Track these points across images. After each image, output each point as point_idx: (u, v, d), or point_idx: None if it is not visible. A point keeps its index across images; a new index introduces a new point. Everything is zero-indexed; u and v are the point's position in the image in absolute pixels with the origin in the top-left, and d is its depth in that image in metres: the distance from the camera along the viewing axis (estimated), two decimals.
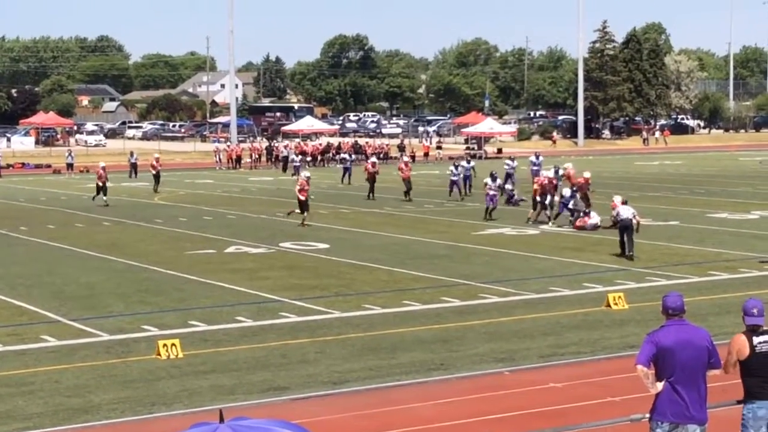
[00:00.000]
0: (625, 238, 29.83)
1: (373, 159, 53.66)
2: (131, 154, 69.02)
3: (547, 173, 41.09)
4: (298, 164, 64.91)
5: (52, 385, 16.53)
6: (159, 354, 18.05)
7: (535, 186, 39.02)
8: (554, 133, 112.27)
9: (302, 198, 38.05)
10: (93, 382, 16.68)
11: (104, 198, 46.87)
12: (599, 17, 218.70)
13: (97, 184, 47.47)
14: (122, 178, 64.06)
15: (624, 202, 31.15)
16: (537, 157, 54.03)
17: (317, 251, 31.59)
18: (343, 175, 60.19)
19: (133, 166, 66.51)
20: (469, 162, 51.20)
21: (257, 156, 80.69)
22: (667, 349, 10.06)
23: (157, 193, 53.33)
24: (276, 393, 16.01)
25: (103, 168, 48.10)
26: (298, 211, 38.52)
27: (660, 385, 10.10)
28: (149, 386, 16.41)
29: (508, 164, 51.28)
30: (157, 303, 23.42)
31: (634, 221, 29.72)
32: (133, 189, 57.79)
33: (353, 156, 67.05)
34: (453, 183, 48.31)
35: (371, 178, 49.00)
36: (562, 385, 16.25)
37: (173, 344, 18.26)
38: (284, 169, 71.46)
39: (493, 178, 40.21)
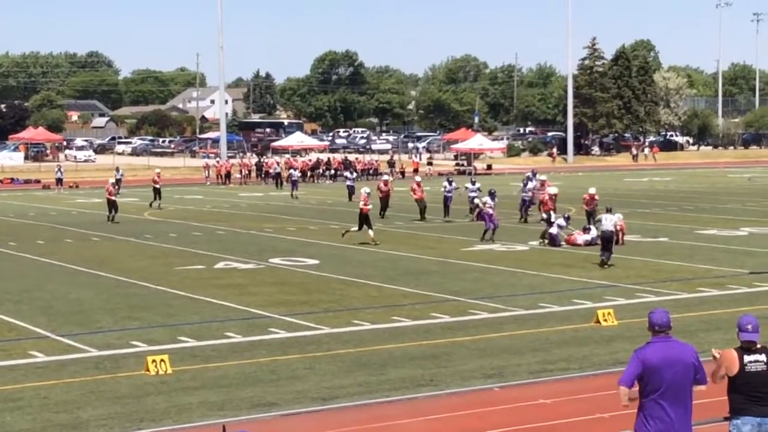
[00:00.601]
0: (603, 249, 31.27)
1: (386, 177, 52.40)
2: (117, 170, 68.62)
3: (550, 190, 40.83)
4: (296, 179, 64.29)
5: (40, 401, 16.47)
6: (148, 370, 18.00)
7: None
8: (554, 150, 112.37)
9: (366, 211, 37.43)
10: (82, 398, 16.62)
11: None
12: (588, 34, 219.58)
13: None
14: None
15: (608, 210, 31.96)
16: (534, 174, 52.24)
17: (307, 267, 31.57)
18: (349, 194, 58.23)
19: (118, 183, 66.01)
20: (450, 183, 48.29)
21: (247, 172, 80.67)
22: (654, 367, 10.05)
23: (159, 209, 52.77)
24: (265, 409, 15.97)
25: (113, 184, 48.16)
26: (354, 228, 37.58)
27: (625, 398, 10.12)
28: (138, 402, 16.37)
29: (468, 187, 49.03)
30: (146, 318, 23.37)
31: (617, 229, 30.71)
32: (122, 204, 57.65)
33: (354, 174, 65.59)
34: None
35: (385, 197, 47.32)
36: (552, 401, 16.24)
37: (162, 360, 18.21)
38: (278, 185, 71.21)
39: (492, 196, 39.92)
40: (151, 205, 54.21)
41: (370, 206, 37.88)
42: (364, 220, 37.37)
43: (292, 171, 67.53)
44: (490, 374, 17.99)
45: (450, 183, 47.92)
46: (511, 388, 17.12)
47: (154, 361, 18.15)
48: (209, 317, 23.46)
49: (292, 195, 61.44)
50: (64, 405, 16.27)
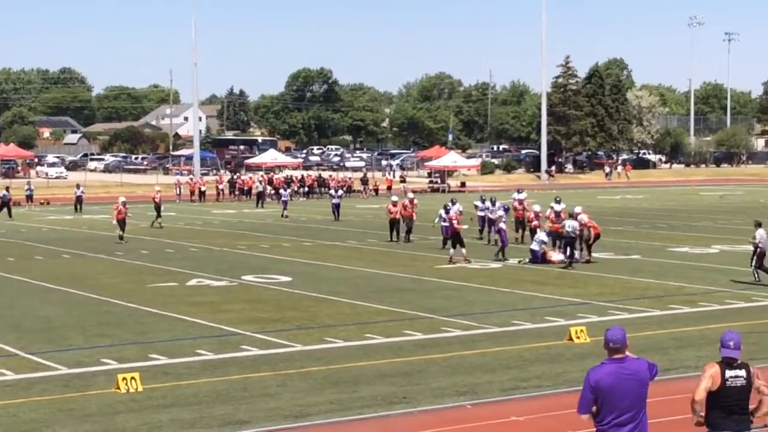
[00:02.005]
0: (568, 251, 34.35)
1: (394, 198, 46.56)
2: (77, 186, 67.95)
3: (534, 207, 40.82)
4: (286, 198, 62.86)
5: (9, 419, 16.31)
6: (118, 388, 17.86)
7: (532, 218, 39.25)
8: (552, 168, 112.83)
9: (459, 230, 37.16)
10: (51, 416, 16.47)
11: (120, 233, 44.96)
12: (562, 53, 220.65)
13: (118, 221, 44.98)
14: (85, 210, 63.79)
15: (571, 216, 33.19)
16: (519, 192, 48.25)
17: (279, 284, 31.48)
18: (334, 211, 57.28)
19: (79, 200, 65.76)
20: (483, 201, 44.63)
21: (222, 189, 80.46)
22: (607, 391, 10.04)
23: (160, 227, 52.06)
24: (237, 427, 15.87)
25: (123, 203, 45.82)
26: (452, 251, 37.00)
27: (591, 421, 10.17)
28: (108, 420, 16.23)
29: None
30: (117, 336, 23.21)
31: (585, 231, 34.23)
32: (94, 221, 57.47)
33: (340, 191, 63.09)
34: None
35: (407, 216, 44.35)
36: (524, 419, 16.22)
37: (133, 378, 18.08)
38: (258, 204, 70.29)
39: (506, 211, 39.98)
40: (152, 224, 52.99)
41: (465, 225, 37.57)
42: (456, 239, 37.08)
43: (281, 191, 66.88)
44: (462, 391, 17.94)
45: (483, 201, 44.51)
46: (483, 406, 17.08)
47: (124, 378, 18.01)
48: (181, 334, 23.33)
49: (282, 215, 59.74)
50: (33, 423, 16.11)
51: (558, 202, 40.28)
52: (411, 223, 44.18)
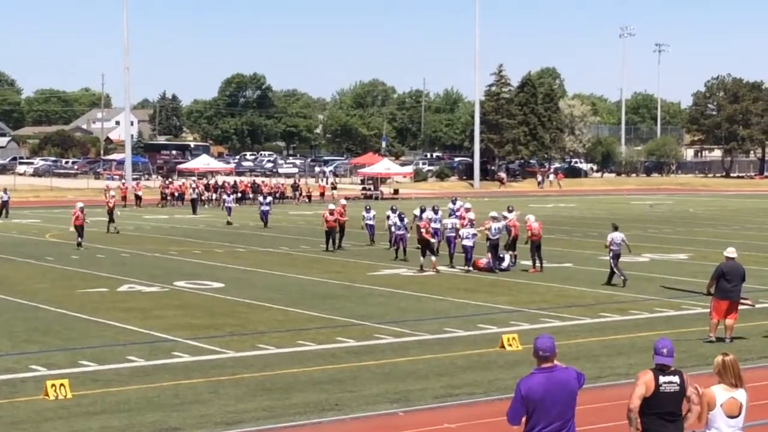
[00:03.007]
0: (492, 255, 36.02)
1: (331, 206, 44.62)
2: (4, 191, 66.16)
3: (469, 215, 40.09)
4: (230, 204, 61.96)
5: None
6: (47, 394, 17.63)
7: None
8: (503, 174, 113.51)
9: (428, 238, 36.87)
10: None
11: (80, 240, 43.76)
12: (495, 61, 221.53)
13: (76, 226, 43.85)
14: (13, 215, 63.00)
15: (494, 219, 36.35)
16: (454, 202, 47.57)
17: (212, 290, 31.30)
18: (263, 217, 56.20)
19: (5, 204, 64.35)
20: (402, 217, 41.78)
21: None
22: (537, 401, 10.10)
23: (117, 233, 51.29)
24: None
25: (81, 209, 44.59)
26: (422, 258, 36.59)
27: None
28: (36, 428, 16.01)
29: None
30: (46, 342, 22.92)
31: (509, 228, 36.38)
32: (23, 226, 56.75)
33: (269, 198, 62.25)
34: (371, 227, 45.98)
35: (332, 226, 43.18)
36: (456, 426, 16.26)
37: (62, 384, 17.86)
38: (194, 211, 68.79)
39: (435, 211, 40.58)
40: (108, 230, 51.84)
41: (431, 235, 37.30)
42: (426, 246, 36.74)
43: (225, 197, 65.91)
44: (395, 398, 17.95)
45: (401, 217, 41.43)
46: (416, 413, 17.10)
47: (53, 385, 17.79)
48: (111, 341, 23.10)
49: (228, 222, 58.45)
50: None
51: (510, 211, 39.93)
52: (343, 230, 44.00)
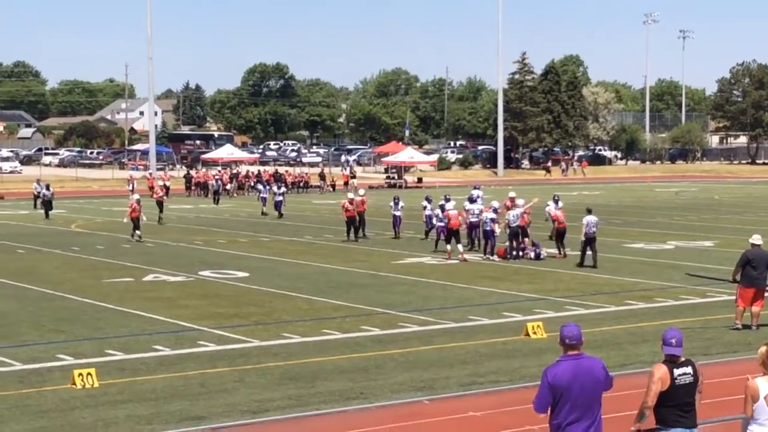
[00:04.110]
0: (514, 243, 36.14)
1: (350, 195, 44.45)
2: (47, 187, 65.66)
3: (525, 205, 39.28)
4: (264, 195, 60.15)
5: None
6: (74, 383, 17.74)
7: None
8: (549, 163, 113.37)
9: (457, 226, 36.73)
10: (6, 413, 16.33)
11: (137, 233, 42.94)
12: (518, 49, 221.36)
13: (132, 219, 43.03)
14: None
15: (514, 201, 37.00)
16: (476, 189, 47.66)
17: (237, 279, 31.39)
18: (277, 207, 56.22)
19: (48, 203, 63.38)
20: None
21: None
22: (564, 388, 10.09)
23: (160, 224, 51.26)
24: (194, 422, 15.81)
25: (138, 201, 43.69)
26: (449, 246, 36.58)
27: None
28: (64, 416, 16.12)
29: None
30: (73, 332, 23.05)
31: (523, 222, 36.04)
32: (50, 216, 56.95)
33: (283, 188, 60.72)
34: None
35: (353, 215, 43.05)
36: (482, 414, 16.27)
37: (89, 373, 17.97)
38: (215, 201, 68.45)
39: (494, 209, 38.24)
40: (159, 221, 51.43)
41: (460, 221, 37.13)
42: (453, 235, 36.53)
43: (260, 186, 63.96)
44: (420, 387, 17.98)
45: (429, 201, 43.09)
46: (441, 401, 17.12)
47: (80, 374, 17.89)
48: (137, 330, 23.21)
49: (262, 212, 57.66)
50: None
51: (556, 201, 40.37)
52: (363, 220, 43.62)
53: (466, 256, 36.24)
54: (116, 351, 20.84)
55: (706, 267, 33.84)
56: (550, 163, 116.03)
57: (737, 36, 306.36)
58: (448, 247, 36.56)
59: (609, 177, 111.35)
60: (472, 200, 41.56)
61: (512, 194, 40.13)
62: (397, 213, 44.02)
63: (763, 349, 10.69)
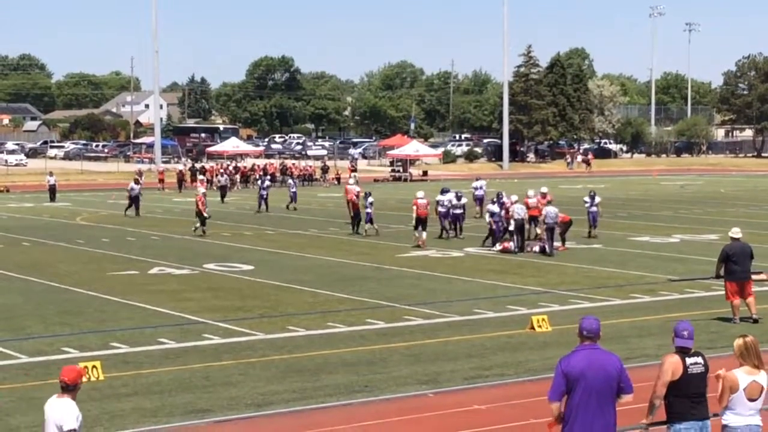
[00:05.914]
0: (517, 237, 36.16)
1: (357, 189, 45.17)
2: (50, 174, 65.61)
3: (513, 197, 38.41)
4: (294, 189, 57.42)
5: None
6: None
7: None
8: (589, 155, 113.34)
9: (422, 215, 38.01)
10: (11, 405, 16.36)
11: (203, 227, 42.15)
12: (524, 42, 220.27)
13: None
14: (43, 198, 63.26)
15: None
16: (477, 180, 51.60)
17: (241, 272, 31.40)
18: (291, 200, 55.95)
19: (52, 189, 63.75)
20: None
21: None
22: (578, 377, 10.14)
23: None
24: (199, 415, 15.83)
25: (204, 194, 43.11)
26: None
27: (557, 412, 10.27)
28: None
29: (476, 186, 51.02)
30: (78, 324, 23.08)
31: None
32: (54, 209, 57.06)
33: (266, 182, 58.07)
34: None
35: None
36: (486, 407, 16.27)
37: (94, 366, 17.98)
38: (222, 199, 65.11)
39: (500, 204, 38.03)
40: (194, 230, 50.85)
41: (427, 211, 38.19)
42: (420, 222, 37.93)
43: (290, 180, 62.09)
44: (424, 380, 17.98)
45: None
46: (445, 394, 17.12)
47: (85, 367, 17.91)
48: (142, 323, 23.23)
49: (288, 207, 56.04)
50: None
51: (592, 196, 41.46)
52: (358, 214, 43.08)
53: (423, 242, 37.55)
54: (121, 344, 20.86)
55: (712, 260, 33.70)
56: (590, 155, 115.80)
57: (743, 29, 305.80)
58: (416, 234, 38.05)
59: (614, 170, 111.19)
60: (456, 196, 41.41)
61: (544, 189, 40.70)
62: (442, 210, 41.31)
63: (739, 341, 10.81)
